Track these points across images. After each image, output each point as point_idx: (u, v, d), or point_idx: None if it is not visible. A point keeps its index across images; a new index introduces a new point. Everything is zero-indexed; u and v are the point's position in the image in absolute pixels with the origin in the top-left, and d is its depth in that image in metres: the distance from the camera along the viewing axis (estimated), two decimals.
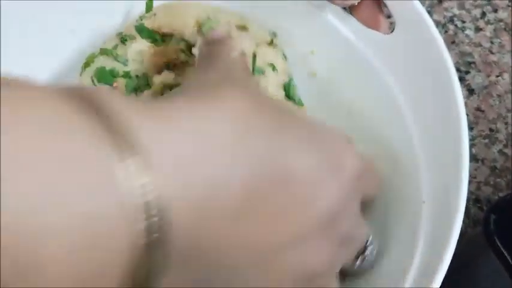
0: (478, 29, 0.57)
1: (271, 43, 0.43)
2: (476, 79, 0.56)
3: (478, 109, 0.54)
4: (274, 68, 0.42)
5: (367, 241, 0.37)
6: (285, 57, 0.44)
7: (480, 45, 0.57)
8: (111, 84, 0.41)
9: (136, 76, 0.42)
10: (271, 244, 0.28)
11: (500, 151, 0.53)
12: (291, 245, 0.29)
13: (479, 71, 0.56)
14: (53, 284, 0.21)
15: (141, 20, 0.43)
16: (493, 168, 0.52)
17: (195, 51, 0.39)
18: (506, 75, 0.56)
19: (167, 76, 0.41)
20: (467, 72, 0.56)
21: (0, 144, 0.20)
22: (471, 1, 0.58)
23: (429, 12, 0.57)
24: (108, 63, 0.42)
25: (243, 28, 0.43)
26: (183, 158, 0.24)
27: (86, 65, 0.42)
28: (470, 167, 0.36)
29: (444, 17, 0.58)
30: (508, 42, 0.57)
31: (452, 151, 0.37)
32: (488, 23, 0.58)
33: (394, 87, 0.41)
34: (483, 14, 0.58)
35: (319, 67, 0.45)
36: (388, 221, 0.40)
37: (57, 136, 0.21)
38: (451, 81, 0.39)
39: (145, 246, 0.22)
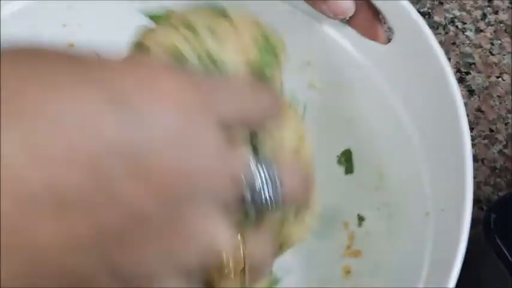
0: (478, 31, 0.58)
1: None
2: (477, 80, 0.56)
3: (479, 110, 0.55)
4: None
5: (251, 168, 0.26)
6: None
7: (480, 46, 0.57)
8: None
9: None
10: None
11: (500, 151, 0.54)
12: None
13: (479, 72, 0.56)
14: None
15: None
16: (493, 169, 0.53)
17: None
18: (506, 77, 0.56)
19: None
20: (467, 73, 0.56)
21: None
22: (472, 2, 0.59)
23: (430, 14, 0.58)
24: None
25: None
26: None
27: None
28: None
29: (445, 18, 0.58)
30: (509, 44, 0.57)
31: (455, 161, 0.38)
32: (488, 24, 0.58)
33: (393, 97, 0.42)
34: (484, 16, 0.58)
35: (316, 78, 0.45)
36: (392, 235, 0.41)
37: None
38: (451, 89, 0.39)
39: None
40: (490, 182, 0.53)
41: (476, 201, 0.52)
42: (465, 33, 0.58)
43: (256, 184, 0.26)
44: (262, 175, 0.27)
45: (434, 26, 0.57)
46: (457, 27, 0.58)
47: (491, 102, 0.55)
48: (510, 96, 0.55)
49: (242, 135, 0.28)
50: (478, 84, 0.56)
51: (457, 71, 0.56)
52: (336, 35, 0.43)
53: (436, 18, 0.58)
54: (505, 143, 0.54)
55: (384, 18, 0.40)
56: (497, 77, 0.56)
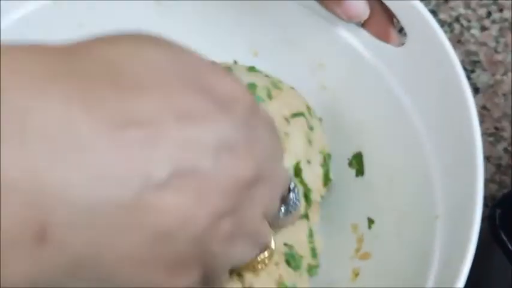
0: (483, 28, 0.58)
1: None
2: (482, 78, 0.57)
3: (484, 107, 0.55)
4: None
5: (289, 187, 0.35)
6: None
7: (485, 44, 0.58)
8: None
9: None
10: None
11: (505, 149, 0.54)
12: None
13: (484, 69, 0.57)
14: None
15: None
16: (498, 166, 0.53)
17: None
18: (511, 74, 0.57)
19: None
20: (472, 71, 0.57)
21: None
22: (477, 1, 0.59)
23: (435, 12, 0.58)
24: None
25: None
26: None
27: None
28: None
29: (450, 16, 0.59)
30: None
31: (466, 164, 0.38)
32: (493, 22, 0.58)
33: (405, 99, 0.42)
34: (489, 14, 0.59)
35: (328, 79, 0.45)
36: (401, 238, 0.41)
37: None
38: (463, 92, 0.39)
39: None
40: (495, 179, 0.53)
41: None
42: (470, 31, 0.58)
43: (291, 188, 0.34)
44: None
45: (439, 24, 0.57)
46: (462, 25, 0.58)
47: (497, 100, 0.56)
48: None
49: None
50: (483, 82, 0.56)
51: (462, 69, 0.56)
52: (349, 37, 0.43)
53: (441, 16, 0.58)
54: (510, 140, 0.54)
55: (397, 20, 0.41)
56: (502, 75, 0.56)
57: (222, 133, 0.25)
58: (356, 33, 0.43)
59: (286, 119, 0.42)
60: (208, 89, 0.25)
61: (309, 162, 0.42)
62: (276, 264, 0.39)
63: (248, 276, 0.37)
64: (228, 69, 0.42)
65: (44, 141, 0.22)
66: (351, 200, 0.45)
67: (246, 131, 0.26)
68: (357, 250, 0.43)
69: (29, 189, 0.22)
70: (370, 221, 0.43)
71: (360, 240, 0.43)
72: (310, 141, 0.42)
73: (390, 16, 0.41)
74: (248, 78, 0.42)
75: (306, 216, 0.41)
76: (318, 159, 0.43)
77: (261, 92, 0.42)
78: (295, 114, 0.42)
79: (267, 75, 0.44)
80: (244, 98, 0.27)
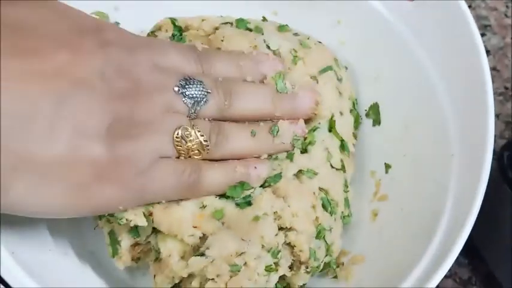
0: None
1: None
2: (492, 41, 0.59)
3: (494, 69, 0.58)
4: None
5: None
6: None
7: (496, 9, 0.60)
8: None
9: None
10: None
11: None
12: None
13: (494, 33, 0.59)
14: None
15: None
16: (508, 123, 0.56)
17: None
18: None
19: None
20: (483, 35, 0.59)
21: None
22: None
23: None
24: None
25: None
26: None
27: None
28: None
29: None
30: None
31: (478, 106, 0.39)
32: None
33: (419, 51, 0.44)
34: None
35: (347, 35, 0.47)
36: (417, 178, 0.42)
37: None
38: (476, 43, 0.41)
39: None
40: (504, 135, 0.55)
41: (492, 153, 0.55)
42: None
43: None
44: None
45: None
46: None
47: (506, 62, 0.58)
48: None
49: None
50: (494, 45, 0.58)
51: None
52: None
53: None
54: None
55: None
56: None
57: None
58: None
59: (314, 77, 0.43)
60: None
61: (341, 113, 0.44)
62: (313, 206, 0.40)
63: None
64: (257, 28, 0.44)
65: None
66: (369, 149, 0.46)
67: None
68: (375, 193, 0.45)
69: None
70: (387, 166, 0.45)
71: (378, 184, 0.45)
72: (340, 93, 0.44)
73: None
74: (276, 38, 0.44)
75: (342, 167, 0.43)
76: (348, 107, 0.44)
77: (287, 56, 0.43)
78: (324, 70, 0.44)
79: (296, 33, 0.45)
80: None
